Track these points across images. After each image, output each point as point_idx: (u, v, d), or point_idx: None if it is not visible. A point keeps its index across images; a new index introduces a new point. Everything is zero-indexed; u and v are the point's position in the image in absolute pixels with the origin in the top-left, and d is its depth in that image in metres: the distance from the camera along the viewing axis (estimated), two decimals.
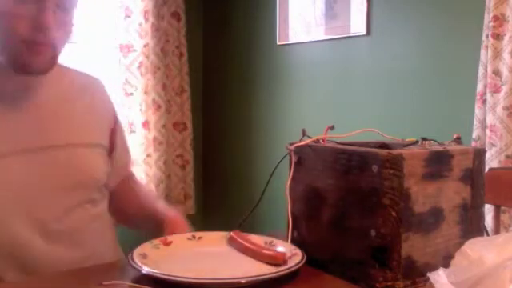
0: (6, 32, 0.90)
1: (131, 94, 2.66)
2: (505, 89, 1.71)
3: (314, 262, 0.82)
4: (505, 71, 1.71)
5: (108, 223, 1.13)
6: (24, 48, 0.90)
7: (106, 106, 1.15)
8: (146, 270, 0.74)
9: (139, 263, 0.76)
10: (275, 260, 0.80)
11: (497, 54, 1.74)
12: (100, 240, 1.07)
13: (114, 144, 1.15)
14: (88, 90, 1.12)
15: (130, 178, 1.26)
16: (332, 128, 0.86)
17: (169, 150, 2.75)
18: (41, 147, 0.98)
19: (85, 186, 1.04)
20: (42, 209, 0.97)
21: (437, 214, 0.77)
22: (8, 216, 0.94)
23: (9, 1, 0.89)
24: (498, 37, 1.73)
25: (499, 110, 1.72)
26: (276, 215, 1.97)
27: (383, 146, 0.84)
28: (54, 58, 0.96)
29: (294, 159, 0.87)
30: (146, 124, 2.69)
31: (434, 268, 0.63)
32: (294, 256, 0.81)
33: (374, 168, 0.73)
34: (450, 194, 0.78)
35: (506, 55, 1.71)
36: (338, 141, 0.87)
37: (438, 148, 0.80)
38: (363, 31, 2.23)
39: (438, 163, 0.76)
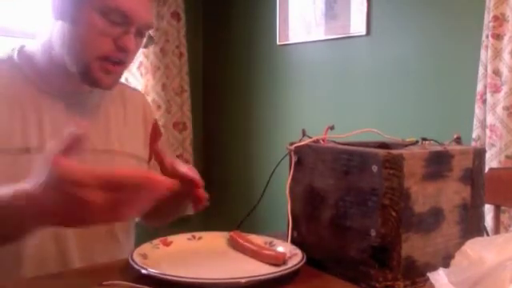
0: (86, 46, 0.93)
1: None
2: (505, 89, 1.71)
3: (314, 262, 0.82)
4: (505, 71, 1.71)
5: (132, 233, 1.13)
6: (97, 65, 0.94)
7: (144, 117, 1.15)
8: (146, 270, 0.74)
9: (139, 263, 0.76)
10: (275, 260, 0.80)
11: (497, 54, 1.74)
12: (122, 249, 1.07)
13: (149, 155, 1.15)
14: (128, 101, 1.13)
15: None
16: (332, 128, 0.86)
17: (169, 149, 2.76)
18: (85, 149, 0.99)
19: None
20: None
21: (437, 214, 0.77)
22: None
23: (99, 18, 0.92)
24: (498, 37, 1.73)
25: (499, 109, 1.72)
26: (276, 215, 1.97)
27: (383, 145, 0.84)
28: (120, 76, 1.01)
29: (294, 159, 0.87)
30: None
31: (434, 268, 0.63)
32: (293, 256, 0.81)
33: (374, 168, 0.73)
34: (450, 193, 0.78)
35: (506, 55, 1.71)
36: (338, 141, 0.87)
37: (438, 148, 0.80)
38: (363, 31, 2.23)
39: (438, 163, 0.76)
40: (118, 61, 0.95)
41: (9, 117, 0.94)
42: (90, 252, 1.00)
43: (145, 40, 1.01)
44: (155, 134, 1.18)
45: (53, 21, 0.97)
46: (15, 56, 1.00)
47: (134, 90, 1.23)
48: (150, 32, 1.02)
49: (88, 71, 0.94)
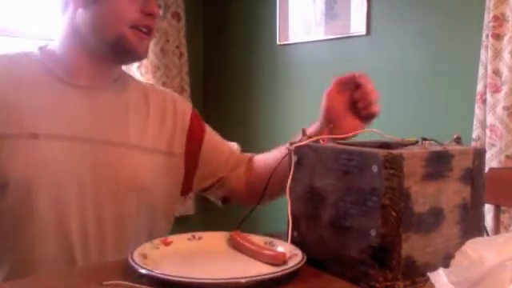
0: (116, 16, 0.99)
1: None
2: (505, 89, 1.71)
3: (314, 262, 0.82)
4: (505, 71, 1.71)
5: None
6: (131, 34, 0.99)
7: (174, 112, 1.14)
8: (146, 269, 0.74)
9: (139, 263, 0.76)
10: (275, 260, 0.80)
11: (497, 54, 1.74)
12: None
13: (197, 142, 1.15)
14: (152, 98, 1.13)
15: (250, 159, 1.24)
16: (332, 128, 0.86)
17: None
18: (100, 140, 1.01)
19: (134, 189, 1.03)
20: (88, 204, 0.98)
21: (437, 214, 0.77)
22: (58, 200, 0.95)
23: None
24: (498, 37, 1.73)
25: (499, 109, 1.72)
26: (276, 215, 1.96)
27: (383, 145, 0.84)
28: (149, 46, 1.06)
29: (294, 159, 0.87)
30: None
31: (434, 268, 0.63)
32: (293, 256, 0.81)
33: (374, 168, 0.72)
34: (450, 193, 0.78)
35: (506, 55, 1.71)
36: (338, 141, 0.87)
37: (438, 148, 0.80)
38: (363, 31, 2.24)
39: (438, 163, 0.76)
40: (147, 30, 1.01)
41: (18, 102, 0.96)
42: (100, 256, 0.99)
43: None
44: (198, 122, 1.18)
45: (72, 13, 1.01)
46: (37, 51, 1.04)
47: (162, 89, 1.24)
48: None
49: (124, 41, 0.99)
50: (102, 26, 0.99)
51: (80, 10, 1.00)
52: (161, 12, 1.05)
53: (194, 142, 1.15)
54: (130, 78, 1.16)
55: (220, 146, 1.21)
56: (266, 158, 1.20)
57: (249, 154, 1.25)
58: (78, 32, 1.01)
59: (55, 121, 0.97)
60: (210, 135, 1.20)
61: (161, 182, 1.08)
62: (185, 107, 1.18)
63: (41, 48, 1.05)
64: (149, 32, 1.02)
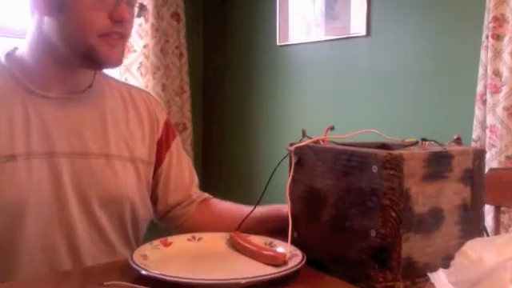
0: (83, 26, 0.92)
1: None
2: (505, 89, 1.71)
3: (314, 262, 0.82)
4: (505, 72, 1.71)
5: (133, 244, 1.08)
6: (102, 42, 0.93)
7: (150, 119, 1.12)
8: (146, 270, 0.74)
9: (140, 264, 0.76)
10: (275, 261, 0.80)
11: (497, 55, 1.74)
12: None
13: (161, 157, 1.12)
14: (130, 102, 1.10)
15: (206, 200, 1.20)
16: (332, 128, 0.86)
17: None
18: (79, 153, 0.98)
19: (117, 200, 1.01)
20: (73, 219, 0.96)
21: (437, 215, 0.77)
22: (43, 219, 0.93)
23: None
24: (498, 37, 1.73)
25: (499, 110, 1.72)
26: None
27: (383, 146, 0.84)
28: (124, 51, 1.00)
29: (294, 160, 0.87)
30: None
31: (434, 268, 0.63)
32: (293, 257, 0.81)
33: (374, 168, 0.73)
34: (450, 194, 0.78)
35: (506, 56, 1.71)
36: (338, 141, 0.87)
37: (438, 148, 0.80)
38: (363, 32, 2.23)
39: (437, 164, 0.76)
40: (119, 36, 0.95)
41: None
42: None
43: (136, 10, 1.00)
44: (167, 134, 1.15)
45: (38, 19, 0.95)
46: (3, 59, 0.98)
47: (140, 90, 1.20)
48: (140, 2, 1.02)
49: (93, 51, 0.93)
50: (70, 36, 0.93)
51: (46, 18, 0.94)
52: (136, 10, 0.99)
53: (159, 155, 1.12)
54: (106, 79, 1.11)
55: (175, 173, 1.15)
56: (228, 205, 1.19)
57: (205, 195, 1.21)
58: (45, 40, 0.95)
59: (31, 138, 0.93)
60: (171, 156, 1.15)
61: (144, 191, 1.08)
62: (160, 116, 1.14)
63: (8, 55, 0.99)
64: (122, 37, 0.96)
